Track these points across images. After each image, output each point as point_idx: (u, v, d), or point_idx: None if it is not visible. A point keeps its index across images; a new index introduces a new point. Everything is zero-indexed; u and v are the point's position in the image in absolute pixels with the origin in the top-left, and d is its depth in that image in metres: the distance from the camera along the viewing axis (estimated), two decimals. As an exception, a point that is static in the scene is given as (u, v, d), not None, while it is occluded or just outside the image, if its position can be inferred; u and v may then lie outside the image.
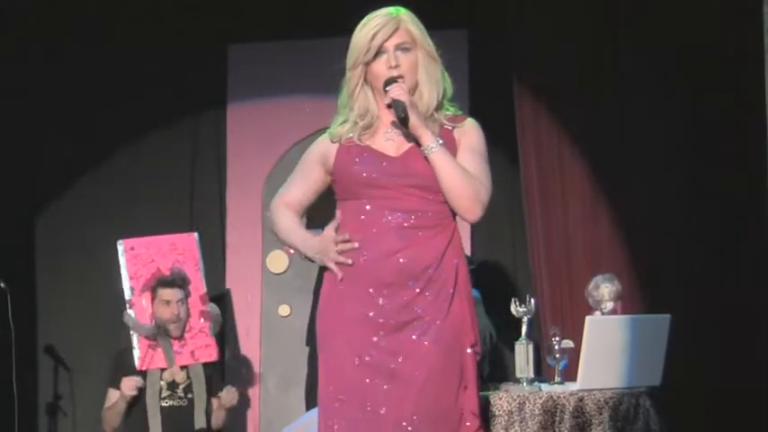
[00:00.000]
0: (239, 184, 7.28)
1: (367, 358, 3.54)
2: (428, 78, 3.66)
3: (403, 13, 3.70)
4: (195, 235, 6.56)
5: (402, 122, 3.58)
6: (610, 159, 6.59)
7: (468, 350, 3.59)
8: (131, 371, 6.19)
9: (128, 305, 6.30)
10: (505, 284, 6.72)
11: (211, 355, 6.33)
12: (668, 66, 6.51)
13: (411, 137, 3.62)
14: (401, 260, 3.55)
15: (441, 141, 3.57)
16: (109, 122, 7.29)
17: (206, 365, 6.30)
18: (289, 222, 3.77)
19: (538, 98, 6.64)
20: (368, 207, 3.60)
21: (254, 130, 7.26)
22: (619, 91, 6.59)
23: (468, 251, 6.72)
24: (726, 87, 6.36)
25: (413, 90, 3.65)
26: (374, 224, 3.58)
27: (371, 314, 3.56)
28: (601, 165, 6.60)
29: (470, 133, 3.68)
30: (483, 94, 6.96)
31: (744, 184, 6.39)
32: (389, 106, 3.60)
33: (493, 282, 6.31)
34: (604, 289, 5.72)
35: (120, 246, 6.39)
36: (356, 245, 3.60)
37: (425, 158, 3.59)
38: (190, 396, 6.22)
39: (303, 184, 3.79)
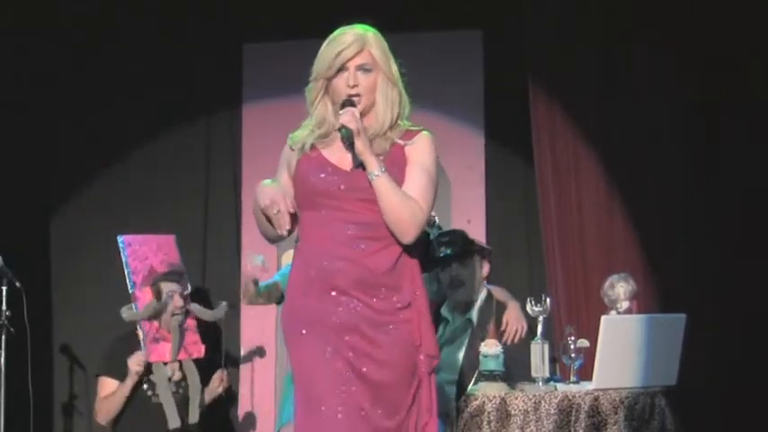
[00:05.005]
0: (254, 182, 7.20)
1: (327, 356, 3.74)
2: (384, 100, 3.85)
3: (371, 35, 3.87)
4: (173, 237, 6.64)
5: (349, 147, 3.76)
6: (624, 158, 6.59)
7: (416, 349, 3.80)
8: (125, 360, 6.24)
9: (132, 298, 6.38)
10: (521, 284, 6.72)
11: (199, 351, 6.43)
12: (684, 64, 6.50)
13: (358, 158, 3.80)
14: (357, 269, 3.76)
15: (384, 168, 3.74)
16: (124, 122, 7.31)
17: (197, 362, 6.39)
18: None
19: (552, 97, 6.65)
20: (325, 218, 3.81)
21: (268, 130, 7.24)
22: (633, 90, 6.59)
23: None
24: (741, 85, 6.36)
25: (369, 108, 3.85)
26: (331, 234, 3.79)
27: (331, 318, 3.77)
28: (615, 164, 6.60)
29: (421, 149, 3.86)
30: (498, 93, 6.98)
31: (759, 182, 6.39)
32: (339, 130, 3.78)
33: (508, 281, 6.30)
34: (620, 288, 5.71)
35: (121, 241, 6.46)
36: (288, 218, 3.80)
37: None
38: (181, 391, 6.30)
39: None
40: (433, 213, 5.60)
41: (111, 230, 6.92)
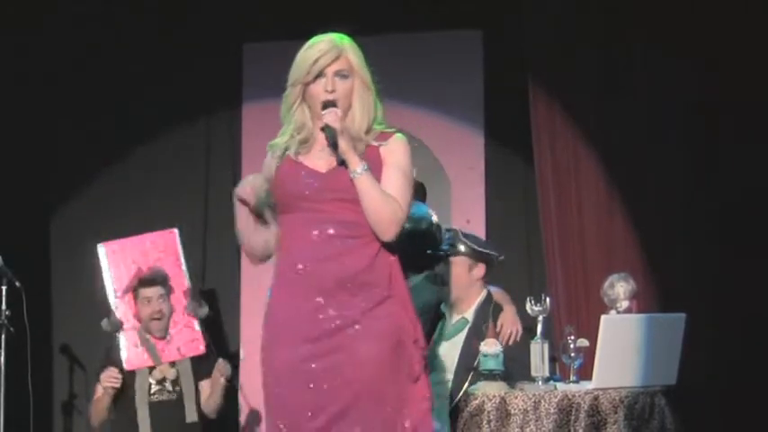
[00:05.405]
0: (254, 183, 7.27)
1: (306, 355, 3.79)
2: (361, 105, 3.92)
3: (347, 42, 3.95)
4: (176, 231, 6.67)
5: (333, 147, 3.85)
6: (624, 158, 6.59)
7: (412, 345, 3.85)
8: (118, 368, 6.25)
9: (113, 307, 6.41)
10: (521, 284, 6.72)
11: (198, 348, 6.44)
12: (684, 64, 6.50)
13: (341, 157, 3.87)
14: (336, 267, 3.83)
15: (366, 167, 3.82)
16: (124, 121, 7.31)
17: (194, 359, 6.39)
18: None
19: (552, 97, 6.65)
20: (303, 220, 3.87)
21: (268, 129, 7.18)
22: (633, 90, 6.59)
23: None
24: (741, 85, 6.35)
25: (345, 113, 3.91)
26: (310, 235, 3.85)
27: (312, 318, 3.82)
28: (615, 164, 6.60)
29: (396, 150, 3.93)
30: (498, 93, 6.98)
31: (759, 182, 6.38)
32: (323, 129, 3.86)
33: (508, 281, 6.30)
34: (620, 288, 5.71)
35: (102, 249, 6.48)
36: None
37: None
38: (178, 389, 6.30)
39: None
40: (431, 211, 5.60)
41: (111, 230, 6.93)
